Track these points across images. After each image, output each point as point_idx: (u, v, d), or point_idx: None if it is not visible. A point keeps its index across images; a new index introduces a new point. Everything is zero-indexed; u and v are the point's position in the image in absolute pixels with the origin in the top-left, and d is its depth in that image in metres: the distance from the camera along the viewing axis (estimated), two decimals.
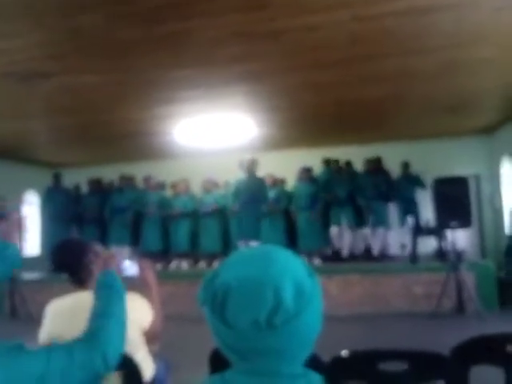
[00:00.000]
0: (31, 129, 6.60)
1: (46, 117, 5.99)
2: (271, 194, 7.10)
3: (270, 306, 0.69)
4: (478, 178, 8.59)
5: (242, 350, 0.73)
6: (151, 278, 2.09)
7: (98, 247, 1.97)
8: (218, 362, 1.55)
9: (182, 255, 7.42)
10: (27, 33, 3.43)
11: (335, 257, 7.08)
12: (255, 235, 6.59)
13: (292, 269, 0.74)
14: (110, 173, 8.00)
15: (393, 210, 7.55)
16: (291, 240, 6.98)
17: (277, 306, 0.69)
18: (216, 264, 7.09)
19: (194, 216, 7.46)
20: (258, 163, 7.00)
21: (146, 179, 7.66)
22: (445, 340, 4.00)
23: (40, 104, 5.34)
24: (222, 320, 0.72)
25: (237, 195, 6.83)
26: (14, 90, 4.71)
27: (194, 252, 7.46)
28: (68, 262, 1.88)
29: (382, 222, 7.14)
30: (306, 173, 7.23)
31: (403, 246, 7.12)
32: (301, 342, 0.73)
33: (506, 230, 7.49)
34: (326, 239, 7.21)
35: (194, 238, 7.45)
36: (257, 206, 6.71)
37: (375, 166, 7.43)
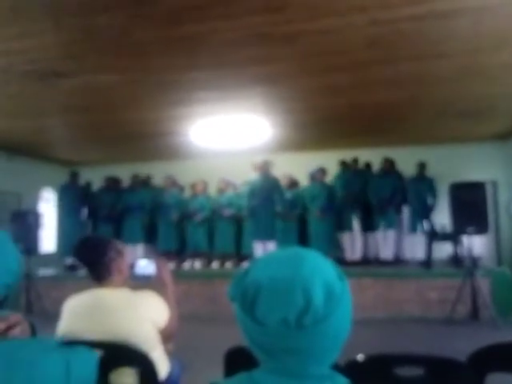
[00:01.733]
0: (49, 127, 6.70)
1: (64, 115, 6.07)
2: (288, 195, 7.12)
3: (300, 306, 0.71)
4: (494, 184, 8.49)
5: (270, 348, 0.75)
6: (168, 276, 2.11)
7: (121, 245, 1.97)
8: (233, 362, 1.58)
9: (196, 255, 7.50)
10: (46, 33, 3.48)
11: (347, 261, 7.04)
12: (271, 235, 6.60)
13: (322, 271, 0.76)
14: (125, 172, 8.09)
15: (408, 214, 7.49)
16: (304, 244, 6.98)
17: (307, 306, 0.71)
18: (229, 264, 7.22)
19: (210, 217, 7.56)
20: (271, 164, 7.01)
21: (166, 179, 7.74)
22: (459, 346, 3.96)
23: (57, 103, 5.42)
24: (252, 317, 0.74)
25: (252, 195, 6.81)
26: (33, 89, 4.79)
27: (208, 252, 7.54)
28: (90, 257, 1.88)
29: (392, 224, 7.07)
30: (321, 174, 7.22)
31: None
32: (329, 343, 0.75)
33: None
34: (337, 244, 7.21)
35: (210, 238, 7.53)
36: (272, 206, 6.71)
37: (387, 168, 7.39)
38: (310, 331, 0.71)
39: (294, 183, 7.49)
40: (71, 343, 1.57)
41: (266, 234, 6.54)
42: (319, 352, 0.74)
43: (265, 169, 6.84)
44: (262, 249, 6.58)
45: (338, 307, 0.73)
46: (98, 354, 1.22)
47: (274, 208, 6.73)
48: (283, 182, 7.21)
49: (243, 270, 0.81)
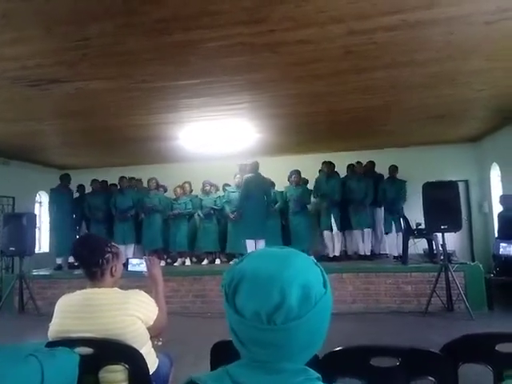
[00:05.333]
0: (42, 132, 6.71)
1: (56, 120, 6.11)
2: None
3: (275, 302, 0.72)
4: (466, 183, 8.83)
5: (245, 339, 0.76)
6: (158, 275, 2.18)
7: (116, 247, 2.03)
8: (219, 356, 1.64)
9: (186, 254, 7.72)
10: (38, 40, 3.50)
11: (328, 257, 7.30)
12: (262, 234, 6.69)
13: (305, 274, 0.76)
14: (118, 175, 8.20)
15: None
16: (287, 241, 7.23)
17: (280, 304, 0.72)
18: (218, 262, 7.53)
19: (193, 217, 7.87)
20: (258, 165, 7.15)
21: (149, 181, 7.90)
22: (434, 338, 4.19)
23: (50, 108, 5.45)
24: (233, 306, 0.77)
25: (246, 195, 6.82)
26: (26, 95, 4.82)
27: (192, 251, 7.77)
28: (87, 256, 1.91)
29: (366, 223, 7.34)
30: (297, 176, 7.48)
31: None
32: (300, 343, 0.75)
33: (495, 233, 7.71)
34: (318, 241, 7.50)
35: (193, 237, 7.76)
36: (263, 206, 6.84)
37: (363, 170, 7.64)
38: (280, 328, 0.72)
39: (272, 184, 7.73)
40: (59, 343, 1.65)
41: (257, 233, 6.65)
42: (290, 349, 0.75)
43: (255, 169, 6.98)
44: (253, 247, 6.67)
45: (312, 311, 0.74)
46: (78, 356, 1.18)
47: (264, 207, 6.87)
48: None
49: (237, 260, 0.84)
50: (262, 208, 6.75)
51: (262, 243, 6.66)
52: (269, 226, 7.07)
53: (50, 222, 8.30)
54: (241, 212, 6.89)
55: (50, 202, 8.14)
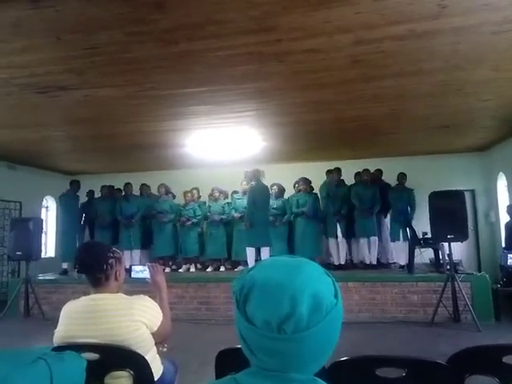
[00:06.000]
0: (50, 138, 6.79)
1: (64, 127, 6.18)
2: (278, 203, 7.38)
3: (285, 312, 0.72)
4: (473, 192, 8.78)
5: (255, 347, 0.76)
6: (162, 281, 2.17)
7: (119, 253, 2.04)
8: (224, 363, 1.63)
9: (191, 260, 7.74)
10: (46, 48, 3.55)
11: (333, 266, 7.24)
12: (266, 242, 6.73)
13: (316, 284, 0.76)
14: (124, 181, 8.28)
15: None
16: (292, 249, 7.24)
17: (290, 313, 0.71)
18: (222, 269, 7.54)
19: (201, 223, 7.93)
20: (263, 172, 7.17)
21: (158, 187, 7.96)
22: (440, 348, 4.14)
23: (58, 115, 5.52)
24: (243, 313, 0.76)
25: (253, 203, 6.85)
26: (34, 102, 4.89)
27: (201, 257, 7.80)
28: (90, 263, 1.92)
29: (372, 232, 7.28)
30: (304, 183, 7.49)
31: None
32: (310, 353, 0.74)
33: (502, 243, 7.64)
34: (323, 249, 7.47)
35: (202, 244, 7.80)
36: (266, 214, 6.88)
37: (370, 178, 7.60)
38: (290, 338, 0.71)
39: (281, 191, 7.74)
40: (65, 348, 1.65)
41: (261, 241, 6.69)
42: (300, 359, 0.74)
43: (256, 177, 6.99)
44: (254, 255, 6.73)
45: (323, 321, 0.73)
46: (85, 360, 1.17)
47: (268, 215, 6.93)
48: (274, 191, 7.48)
49: (248, 268, 0.86)
50: (265, 216, 6.80)
51: (266, 251, 6.66)
52: (277, 233, 7.10)
53: (57, 227, 8.39)
54: (251, 221, 6.83)
55: (59, 207, 8.23)
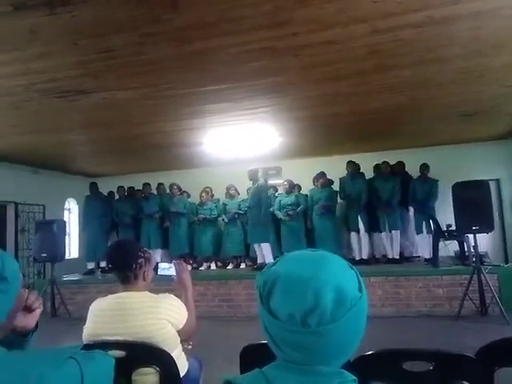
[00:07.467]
0: (70, 142, 6.92)
1: (84, 130, 6.30)
2: (291, 198, 7.39)
3: (309, 305, 0.72)
4: (498, 182, 8.56)
5: (280, 341, 0.76)
6: (187, 279, 2.19)
7: (149, 252, 2.07)
8: (248, 359, 1.63)
9: (209, 259, 7.80)
10: (64, 53, 3.61)
11: (356, 260, 7.15)
12: (265, 238, 6.88)
13: (340, 278, 0.76)
14: (143, 181, 8.40)
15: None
16: (310, 243, 7.20)
17: (314, 307, 0.72)
18: (243, 266, 7.66)
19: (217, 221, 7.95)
20: (258, 172, 7.24)
21: (170, 187, 8.04)
22: (467, 342, 4.06)
23: (77, 119, 5.62)
24: (267, 307, 0.77)
25: (251, 201, 7.13)
26: (54, 106, 4.98)
27: (216, 256, 7.82)
28: (121, 261, 1.96)
29: (396, 225, 7.19)
30: (321, 177, 7.48)
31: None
32: (335, 347, 0.74)
33: None
34: (345, 243, 7.41)
35: (218, 243, 7.82)
36: (261, 211, 6.99)
37: (391, 170, 7.52)
38: (315, 331, 0.72)
39: (292, 187, 7.68)
40: (93, 345, 1.68)
41: (260, 237, 6.88)
42: (324, 353, 0.74)
43: (253, 177, 7.15)
44: (259, 251, 6.93)
45: (347, 315, 0.73)
46: (113, 359, 1.20)
47: (266, 213, 7.05)
48: (284, 187, 7.52)
49: (272, 262, 0.85)
50: (262, 214, 6.96)
51: (266, 246, 6.80)
52: (293, 229, 7.12)
53: (81, 228, 8.54)
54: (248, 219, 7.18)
55: (84, 208, 8.41)
